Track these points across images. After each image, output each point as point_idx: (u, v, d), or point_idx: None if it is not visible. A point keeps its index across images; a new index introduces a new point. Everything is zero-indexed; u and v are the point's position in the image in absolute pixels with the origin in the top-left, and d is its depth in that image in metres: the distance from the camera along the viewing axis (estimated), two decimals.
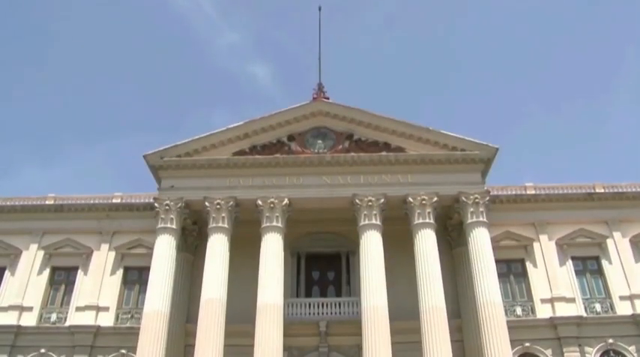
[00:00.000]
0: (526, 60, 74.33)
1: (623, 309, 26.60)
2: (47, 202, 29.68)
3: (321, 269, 28.37)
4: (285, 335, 23.34)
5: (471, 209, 25.31)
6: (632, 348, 25.64)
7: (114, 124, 75.77)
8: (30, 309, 27.50)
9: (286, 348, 24.23)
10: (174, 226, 25.51)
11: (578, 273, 27.74)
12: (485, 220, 25.23)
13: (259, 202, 25.22)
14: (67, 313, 27.48)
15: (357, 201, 25.09)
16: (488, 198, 25.77)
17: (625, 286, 27.12)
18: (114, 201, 29.41)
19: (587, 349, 25.70)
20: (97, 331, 26.51)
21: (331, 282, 28.11)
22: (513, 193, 28.87)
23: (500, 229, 27.55)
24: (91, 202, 29.47)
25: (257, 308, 23.38)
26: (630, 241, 28.17)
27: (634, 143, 68.45)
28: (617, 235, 28.27)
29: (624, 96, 72.87)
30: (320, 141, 26.94)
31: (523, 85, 75.56)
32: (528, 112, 74.90)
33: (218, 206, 25.28)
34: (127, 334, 25.98)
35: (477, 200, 25.38)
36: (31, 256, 28.68)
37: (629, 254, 27.89)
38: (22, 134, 73.85)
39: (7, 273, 28.54)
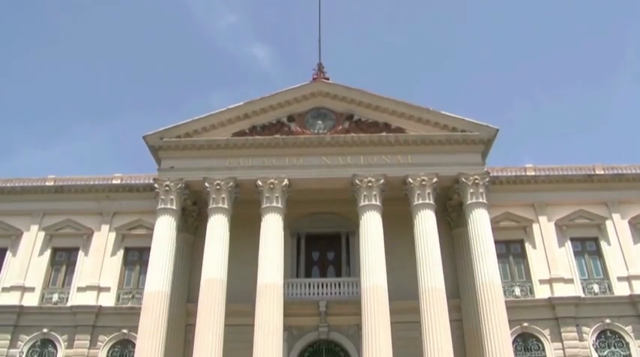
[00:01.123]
0: (527, 41, 73.94)
1: (620, 290, 26.77)
2: (47, 184, 29.75)
3: (321, 249, 28.49)
4: (285, 315, 23.50)
5: (471, 190, 25.30)
6: (628, 328, 25.87)
7: (114, 105, 75.74)
8: (32, 289, 27.71)
9: (286, 328, 24.48)
10: (174, 207, 25.54)
11: (577, 254, 27.87)
12: (484, 201, 25.23)
13: (259, 182, 25.21)
14: (68, 293, 27.68)
15: (356, 181, 25.08)
16: (488, 179, 25.74)
17: (623, 267, 27.27)
18: (114, 182, 29.46)
19: (585, 329, 25.93)
20: (98, 311, 26.73)
21: (331, 262, 28.27)
22: (513, 174, 28.86)
23: (500, 210, 27.63)
24: (91, 183, 29.53)
25: (257, 288, 23.48)
26: (629, 222, 28.25)
27: (635, 125, 68.39)
28: (616, 216, 28.34)
29: (625, 77, 72.62)
30: (320, 121, 26.83)
31: (524, 66, 75.28)
32: (529, 93, 74.75)
33: (218, 187, 25.28)
34: (128, 314, 26.20)
35: (476, 181, 25.35)
36: (32, 237, 28.81)
37: (627, 235, 27.99)
38: (21, 115, 73.76)
39: (8, 254, 28.69)
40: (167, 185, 25.63)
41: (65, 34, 73.47)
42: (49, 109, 75.07)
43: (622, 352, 25.47)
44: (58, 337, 26.58)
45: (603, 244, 27.94)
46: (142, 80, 76.34)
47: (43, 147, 73.57)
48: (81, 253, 28.45)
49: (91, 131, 75.53)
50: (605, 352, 25.46)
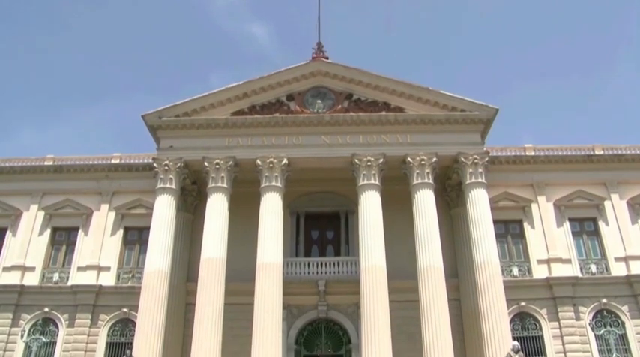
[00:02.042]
0: (526, 21, 73.39)
1: (617, 270, 26.91)
2: (46, 164, 29.66)
3: (320, 229, 28.58)
4: (284, 294, 23.61)
5: (470, 170, 25.27)
6: (624, 307, 26.08)
7: (112, 85, 75.30)
8: (32, 269, 27.83)
9: (285, 306, 24.65)
10: (173, 187, 25.54)
11: (575, 234, 27.96)
12: (483, 180, 25.21)
13: (258, 162, 25.17)
14: (68, 272, 27.80)
15: (356, 161, 25.04)
16: (487, 159, 25.70)
17: (620, 248, 27.38)
18: (113, 162, 29.37)
19: (582, 308, 26.12)
20: (98, 290, 26.87)
21: (330, 241, 28.37)
22: (512, 154, 28.82)
23: (499, 190, 27.65)
24: (90, 162, 29.44)
25: (256, 267, 23.56)
26: (627, 203, 28.29)
27: (635, 106, 68.21)
28: (614, 197, 28.36)
29: (626, 58, 72.22)
30: (319, 101, 26.69)
31: (524, 46, 74.84)
32: (529, 73, 74.39)
33: (217, 166, 25.25)
34: (128, 294, 26.37)
35: (476, 161, 25.31)
36: (32, 217, 28.84)
37: (625, 216, 28.05)
38: (19, 95, 73.47)
39: (8, 233, 28.75)
40: (166, 165, 25.59)
41: (63, 15, 72.94)
42: (46, 89, 74.88)
43: (617, 331, 25.70)
44: (59, 316, 26.79)
45: (601, 224, 28.01)
46: (140, 60, 75.94)
47: (42, 127, 73.48)
48: (81, 233, 28.51)
49: (89, 111, 75.43)
50: (601, 331, 25.67)
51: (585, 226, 28.29)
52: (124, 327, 26.37)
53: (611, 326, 25.82)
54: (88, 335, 26.18)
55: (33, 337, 26.38)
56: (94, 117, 74.84)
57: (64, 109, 76.00)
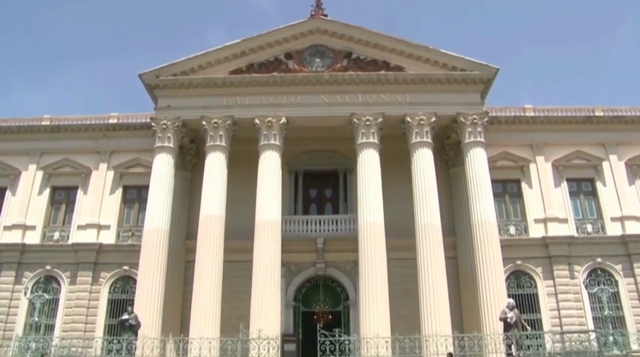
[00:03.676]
0: None
1: (613, 230, 27.16)
2: (43, 123, 29.50)
3: (319, 187, 28.68)
4: (283, 252, 23.82)
5: (469, 129, 25.20)
6: (618, 267, 26.43)
7: (109, 44, 74.13)
8: (33, 228, 28.00)
9: (284, 263, 24.89)
10: (171, 145, 25.48)
11: (573, 194, 28.07)
12: (482, 140, 25.17)
13: (257, 120, 25.04)
14: (69, 231, 27.98)
15: (355, 120, 24.92)
16: (486, 119, 25.59)
17: (617, 208, 27.56)
18: (110, 121, 29.22)
19: (576, 267, 26.48)
20: (99, 248, 27.10)
21: (328, 200, 28.49)
22: (512, 114, 28.64)
23: (498, 150, 27.59)
24: (88, 122, 29.27)
25: (255, 225, 23.69)
26: (626, 163, 28.34)
27: (636, 67, 67.59)
28: (613, 157, 28.40)
29: (628, 19, 71.17)
30: (318, 59, 26.36)
31: (526, 6, 73.60)
32: (531, 34, 73.39)
33: (215, 125, 25.14)
34: (128, 252, 26.59)
35: (475, 121, 25.21)
36: (31, 177, 28.85)
37: (623, 177, 28.15)
38: (13, 54, 72.52)
39: (7, 193, 28.82)
40: (164, 124, 25.48)
41: None
42: (41, 48, 73.83)
43: (610, 290, 26.08)
44: (60, 273, 27.09)
45: (599, 185, 28.12)
46: (137, 18, 74.73)
47: (37, 87, 72.80)
48: (80, 192, 28.57)
49: (85, 71, 74.58)
50: (595, 290, 26.05)
51: (583, 187, 28.40)
52: (125, 284, 26.69)
53: (604, 285, 26.19)
54: (90, 292, 26.54)
55: (36, 294, 26.72)
56: (91, 76, 74.23)
57: (59, 68, 75.18)
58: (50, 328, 26.19)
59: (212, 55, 26.23)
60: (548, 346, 21.30)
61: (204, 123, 25.27)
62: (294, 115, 25.34)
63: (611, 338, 25.18)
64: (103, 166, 28.69)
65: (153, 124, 25.70)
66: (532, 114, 28.72)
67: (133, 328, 20.76)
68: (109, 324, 25.77)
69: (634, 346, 24.85)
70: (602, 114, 28.87)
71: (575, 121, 28.70)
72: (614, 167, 28.25)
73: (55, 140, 29.17)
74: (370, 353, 19.79)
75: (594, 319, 25.52)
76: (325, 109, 25.43)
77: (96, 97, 69.67)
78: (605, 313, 25.61)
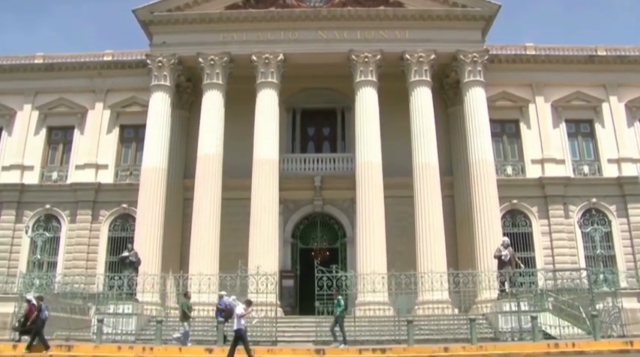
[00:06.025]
0: None
1: (609, 171, 27.32)
2: (36, 61, 29.00)
3: (317, 125, 28.59)
4: (281, 189, 23.99)
5: (469, 68, 24.89)
6: (612, 207, 26.75)
7: None
8: (31, 168, 28.04)
9: (282, 201, 25.10)
10: (167, 83, 25.18)
11: (571, 135, 28.07)
12: (482, 79, 24.93)
13: (254, 57, 24.64)
14: (67, 171, 28.03)
15: (353, 57, 24.54)
16: (486, 57, 25.26)
17: (614, 150, 27.61)
18: (105, 59, 28.70)
19: (571, 207, 26.79)
20: (97, 187, 27.24)
21: (326, 138, 28.46)
22: (512, 52, 28.18)
23: (497, 90, 27.33)
24: (82, 60, 28.77)
25: (253, 163, 23.73)
26: (625, 105, 28.17)
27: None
28: (613, 99, 28.19)
29: None
30: None
31: None
32: None
33: (212, 62, 24.75)
34: (127, 190, 26.73)
35: (475, 59, 24.87)
36: (26, 116, 28.65)
37: (622, 118, 28.04)
38: None
39: (4, 133, 28.71)
40: (160, 61, 25.08)
41: None
42: None
43: (604, 229, 26.39)
44: (60, 212, 27.37)
45: (597, 126, 28.05)
46: None
47: (28, 28, 71.05)
48: (76, 132, 28.43)
49: (76, 9, 72.58)
50: (588, 229, 26.34)
51: (581, 128, 28.34)
52: (125, 222, 26.99)
53: (598, 224, 26.48)
54: (90, 230, 26.89)
55: (37, 232, 26.95)
56: (82, 14, 72.12)
57: (49, 8, 73.17)
58: (53, 265, 26.67)
59: None
60: (541, 283, 21.76)
61: (200, 59, 24.85)
62: (292, 52, 24.90)
63: (601, 276, 25.51)
64: (99, 105, 28.42)
65: (148, 61, 25.29)
66: (533, 52, 28.27)
67: (134, 264, 21.20)
68: (110, 261, 26.24)
69: (623, 284, 25.31)
70: (604, 53, 28.46)
71: (577, 61, 28.28)
72: (613, 109, 28.07)
73: (49, 79, 28.74)
74: (367, 289, 20.24)
75: (586, 257, 26.01)
76: (323, 46, 24.97)
77: (89, 37, 67.95)
78: (597, 252, 26.00)
